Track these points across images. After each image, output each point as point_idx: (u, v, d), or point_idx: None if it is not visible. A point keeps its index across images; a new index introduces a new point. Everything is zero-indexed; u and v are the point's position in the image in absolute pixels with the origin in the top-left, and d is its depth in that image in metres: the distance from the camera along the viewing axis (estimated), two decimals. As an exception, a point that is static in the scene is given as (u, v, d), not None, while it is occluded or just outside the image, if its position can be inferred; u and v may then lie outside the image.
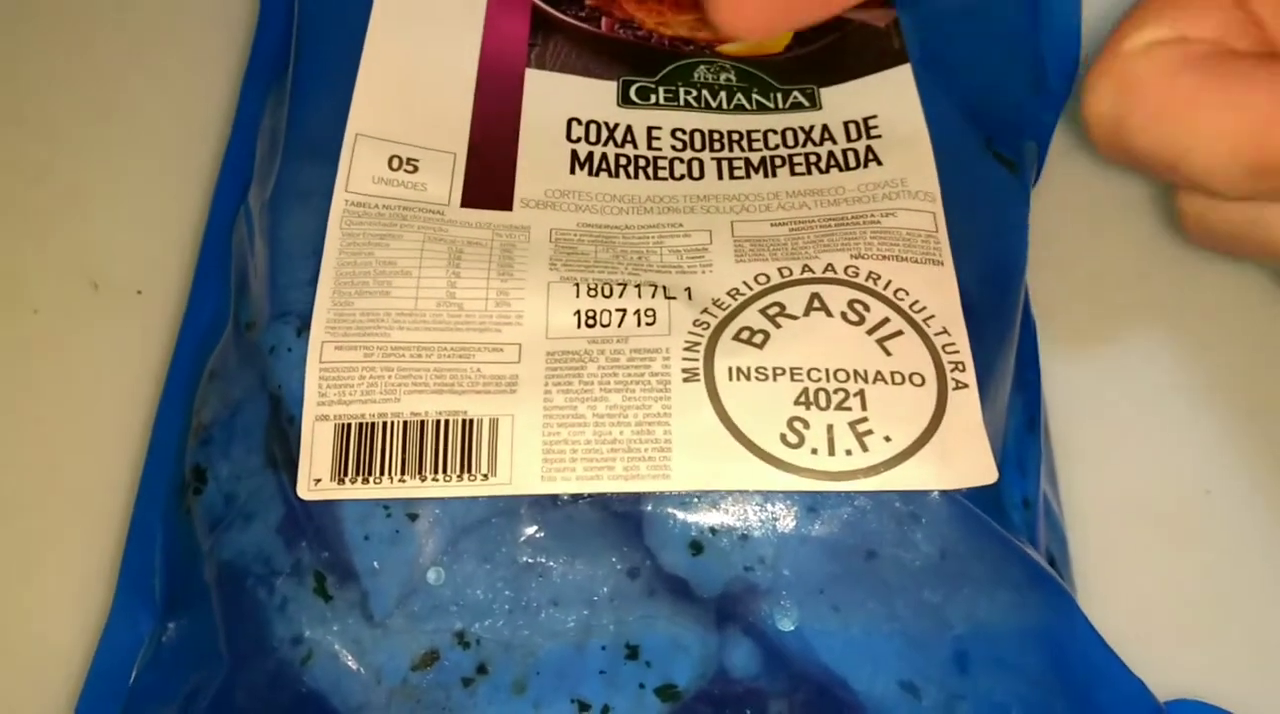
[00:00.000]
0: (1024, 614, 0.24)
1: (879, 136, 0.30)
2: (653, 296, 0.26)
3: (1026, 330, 0.30)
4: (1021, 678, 0.24)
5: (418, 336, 0.25)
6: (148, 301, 0.33)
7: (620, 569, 0.24)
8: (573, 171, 0.29)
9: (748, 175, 0.29)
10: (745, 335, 0.25)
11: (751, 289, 0.26)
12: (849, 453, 0.24)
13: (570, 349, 0.25)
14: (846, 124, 0.30)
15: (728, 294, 0.26)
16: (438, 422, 0.24)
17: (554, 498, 0.24)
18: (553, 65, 0.31)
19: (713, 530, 0.24)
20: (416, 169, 0.28)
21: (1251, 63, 0.19)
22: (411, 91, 0.29)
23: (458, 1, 0.31)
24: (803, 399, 0.24)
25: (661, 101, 0.31)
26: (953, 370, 0.25)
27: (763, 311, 0.26)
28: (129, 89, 0.36)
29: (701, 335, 0.25)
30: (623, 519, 0.24)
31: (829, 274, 0.26)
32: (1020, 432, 0.28)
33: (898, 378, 0.25)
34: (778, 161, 0.29)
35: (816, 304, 0.26)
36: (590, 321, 0.26)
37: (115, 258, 0.33)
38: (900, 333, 0.25)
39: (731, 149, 0.30)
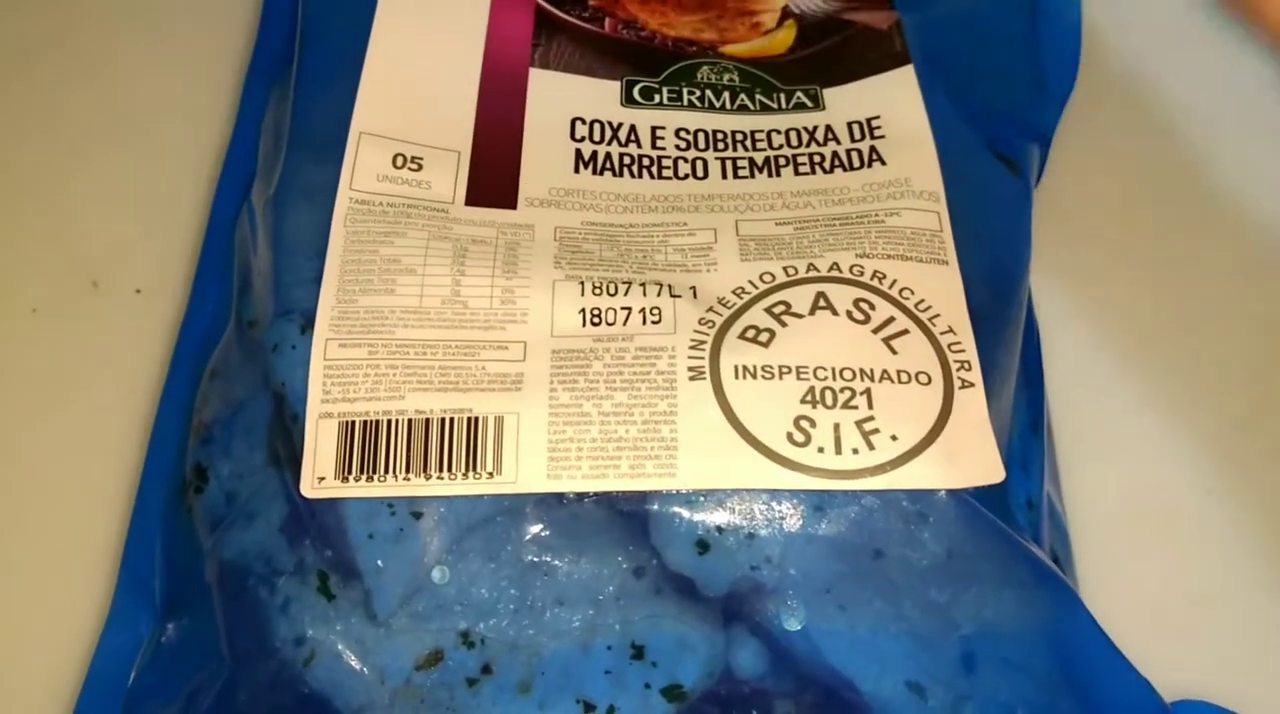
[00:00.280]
0: (1030, 614, 0.24)
1: (882, 137, 0.30)
2: (658, 295, 0.26)
3: (1030, 331, 0.30)
4: (1028, 678, 0.24)
5: (422, 334, 0.25)
6: (148, 300, 0.32)
7: (626, 568, 0.24)
8: (577, 170, 0.29)
9: (752, 175, 0.29)
10: (751, 334, 0.25)
11: (757, 288, 0.26)
12: (855, 452, 0.24)
13: (575, 347, 0.25)
14: (850, 124, 0.30)
15: (733, 293, 0.26)
16: (442, 420, 0.24)
17: (559, 496, 0.24)
18: (556, 65, 0.31)
19: (719, 529, 0.24)
20: (421, 167, 0.28)
21: None
22: (415, 90, 0.29)
23: (462, 1, 0.31)
24: (809, 398, 0.24)
25: (665, 101, 0.31)
26: (959, 369, 0.25)
27: (768, 310, 0.26)
28: (131, 86, 0.36)
29: (707, 334, 0.25)
30: (628, 518, 0.24)
31: (834, 273, 0.26)
32: (1024, 432, 0.28)
33: (904, 377, 0.25)
34: (782, 161, 0.29)
35: (822, 303, 0.26)
36: (595, 320, 0.26)
37: (115, 256, 0.33)
38: (906, 332, 0.25)
39: (735, 149, 0.30)
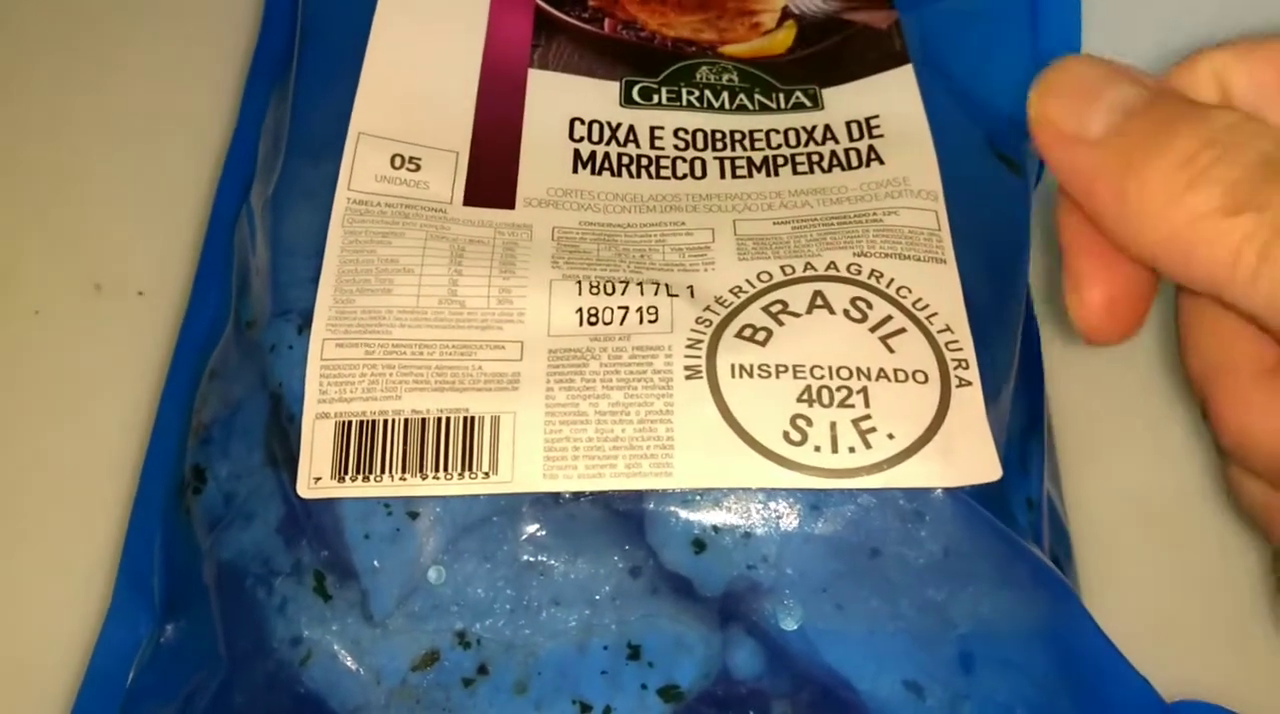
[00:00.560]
0: (1029, 613, 0.24)
1: (881, 136, 0.29)
2: (655, 294, 0.26)
3: (1029, 331, 0.30)
4: (1026, 678, 0.24)
5: (419, 334, 0.25)
6: (149, 303, 0.33)
7: (622, 568, 0.24)
8: (575, 171, 0.29)
9: (750, 174, 0.29)
10: (748, 333, 0.25)
11: (754, 287, 0.26)
12: (852, 450, 0.24)
13: (572, 347, 0.25)
14: (849, 124, 0.30)
15: (730, 292, 0.26)
16: (439, 419, 0.24)
17: (556, 496, 0.24)
18: (555, 66, 0.31)
19: (715, 528, 0.24)
20: (419, 168, 0.28)
21: None
22: (414, 91, 0.29)
23: (461, 2, 0.31)
24: (805, 396, 0.24)
25: (664, 102, 0.31)
26: (956, 368, 0.25)
27: (765, 309, 0.26)
28: (133, 90, 0.36)
29: (704, 332, 0.25)
30: (625, 517, 0.24)
31: (831, 272, 0.26)
32: (1024, 432, 0.27)
33: (901, 375, 0.25)
34: (780, 161, 0.29)
35: (819, 302, 0.26)
36: (592, 319, 0.26)
37: (118, 259, 0.33)
38: (903, 330, 0.25)
39: (734, 148, 0.30)
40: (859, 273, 0.26)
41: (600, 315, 0.26)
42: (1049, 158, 0.21)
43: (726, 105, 0.31)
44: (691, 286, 0.26)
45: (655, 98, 0.31)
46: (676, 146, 0.30)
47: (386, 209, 0.27)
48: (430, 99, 0.29)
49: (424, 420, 0.24)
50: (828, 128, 0.30)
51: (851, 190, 0.28)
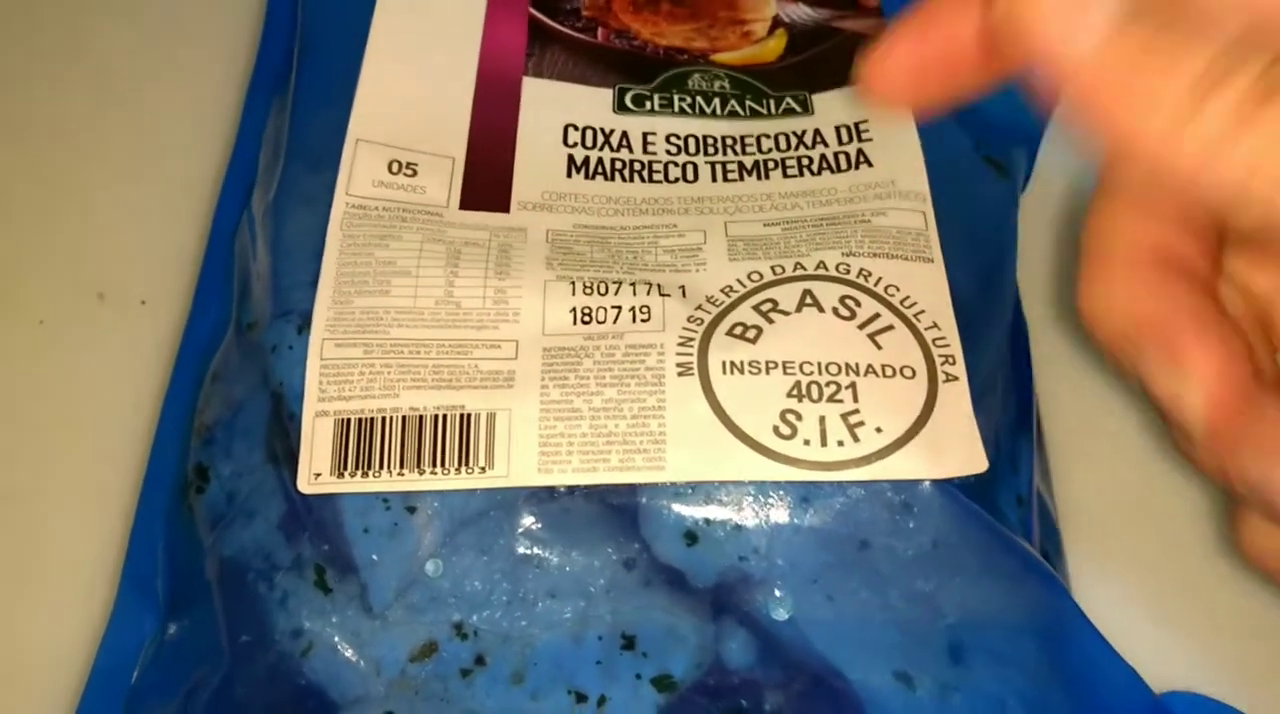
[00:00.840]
0: (1018, 604, 0.25)
1: (870, 139, 0.30)
2: (647, 294, 0.26)
3: (1018, 330, 0.30)
4: (1015, 668, 0.24)
5: (416, 334, 0.26)
6: (152, 311, 0.33)
7: (616, 560, 0.24)
8: (569, 175, 0.29)
9: (741, 178, 0.30)
10: (738, 330, 0.26)
11: (745, 286, 0.27)
12: (841, 444, 0.24)
13: (566, 345, 0.26)
14: (838, 128, 0.31)
15: (721, 291, 0.26)
16: (436, 416, 0.25)
17: (551, 490, 0.24)
18: (550, 74, 0.32)
19: (707, 521, 0.24)
20: (416, 173, 0.29)
21: None
22: (411, 99, 0.30)
23: (457, 13, 0.32)
24: (795, 392, 0.25)
25: (656, 108, 0.31)
26: (943, 363, 0.25)
27: (755, 307, 0.26)
28: (135, 100, 0.37)
29: (695, 331, 0.26)
30: (618, 511, 0.24)
31: (821, 271, 0.27)
32: (1013, 429, 0.28)
33: (888, 371, 0.25)
34: (770, 164, 0.30)
35: (808, 300, 0.26)
36: (586, 318, 0.26)
37: (121, 268, 0.34)
38: (891, 327, 0.26)
39: (725, 153, 0.30)
40: (848, 272, 0.27)
41: (594, 315, 0.26)
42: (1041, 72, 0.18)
43: (718, 111, 0.31)
44: (683, 286, 0.27)
45: (648, 104, 0.31)
46: (669, 151, 0.30)
47: (384, 213, 0.28)
48: (427, 107, 0.30)
49: (421, 417, 0.25)
50: (817, 132, 0.31)
51: (841, 192, 0.29)
